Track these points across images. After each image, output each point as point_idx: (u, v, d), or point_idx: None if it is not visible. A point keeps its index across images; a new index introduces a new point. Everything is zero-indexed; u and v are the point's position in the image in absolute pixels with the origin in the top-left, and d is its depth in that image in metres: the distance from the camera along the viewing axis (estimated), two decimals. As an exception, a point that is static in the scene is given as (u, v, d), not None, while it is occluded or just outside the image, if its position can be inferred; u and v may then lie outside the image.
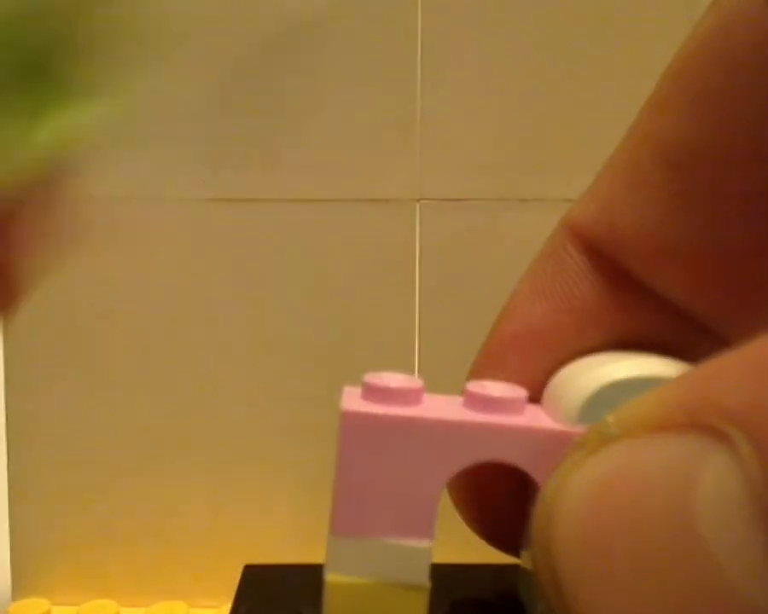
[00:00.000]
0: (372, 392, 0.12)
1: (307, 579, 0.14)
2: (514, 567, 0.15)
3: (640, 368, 0.12)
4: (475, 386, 0.13)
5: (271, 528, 0.26)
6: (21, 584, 0.26)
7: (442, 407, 0.13)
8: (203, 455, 0.26)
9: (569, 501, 0.09)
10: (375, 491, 0.12)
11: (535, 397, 0.14)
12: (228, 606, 0.25)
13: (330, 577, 0.12)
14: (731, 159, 0.13)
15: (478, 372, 0.15)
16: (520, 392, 0.13)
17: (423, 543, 0.12)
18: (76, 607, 0.25)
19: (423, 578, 0.12)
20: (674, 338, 0.14)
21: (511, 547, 0.15)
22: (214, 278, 0.25)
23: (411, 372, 0.25)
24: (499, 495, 0.14)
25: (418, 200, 0.25)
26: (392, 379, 0.12)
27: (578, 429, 0.12)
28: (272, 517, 0.26)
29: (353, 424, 0.12)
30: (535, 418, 0.13)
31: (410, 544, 0.12)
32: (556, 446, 0.12)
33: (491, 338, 0.15)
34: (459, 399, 0.13)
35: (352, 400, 0.12)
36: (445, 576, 0.15)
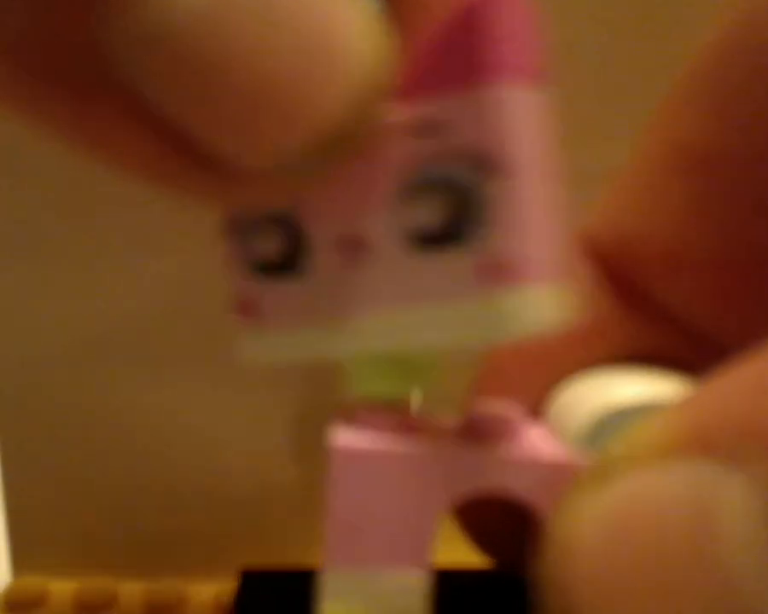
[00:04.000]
0: (363, 424, 0.12)
1: (305, 584, 0.14)
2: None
3: (649, 391, 0.12)
4: (473, 409, 0.12)
5: (272, 504, 0.26)
6: (19, 562, 0.26)
7: (437, 434, 0.12)
8: (202, 441, 0.25)
9: (582, 539, 0.08)
10: (369, 524, 0.12)
11: (537, 410, 0.13)
12: (227, 585, 0.25)
13: (326, 609, 0.12)
14: (752, 162, 0.12)
15: (480, 386, 0.14)
16: (520, 414, 0.12)
17: (419, 575, 0.12)
18: (74, 584, 0.25)
19: (419, 610, 0.12)
20: (682, 353, 0.13)
21: (521, 566, 0.15)
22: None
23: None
24: (505, 518, 0.14)
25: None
26: (384, 409, 0.12)
27: (584, 456, 0.12)
28: (273, 488, 0.26)
29: (344, 460, 0.12)
30: (536, 444, 0.12)
31: (405, 576, 0.12)
32: (559, 476, 0.11)
33: (493, 351, 0.14)
34: (456, 422, 0.13)
35: (343, 433, 0.12)
36: (446, 581, 0.14)
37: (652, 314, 0.13)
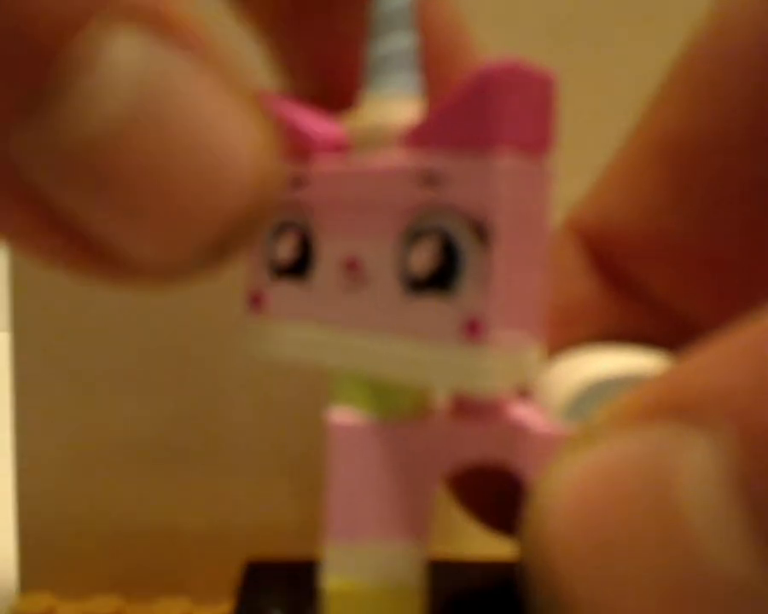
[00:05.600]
0: None
1: (309, 575, 0.14)
2: (512, 563, 0.15)
3: (630, 365, 0.13)
4: None
5: (274, 522, 0.26)
6: (27, 578, 0.26)
7: (430, 410, 0.13)
8: (207, 448, 0.26)
9: (559, 498, 0.09)
10: (367, 497, 0.12)
11: (524, 391, 0.14)
12: (232, 602, 0.25)
13: (328, 582, 0.13)
14: (729, 151, 0.13)
15: None
16: (508, 392, 0.13)
17: (417, 545, 0.12)
18: (81, 601, 0.26)
19: (418, 580, 0.12)
20: (662, 334, 0.14)
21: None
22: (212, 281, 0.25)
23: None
24: (499, 486, 0.14)
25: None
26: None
27: (568, 427, 0.12)
28: (275, 511, 0.26)
29: (341, 435, 0.12)
30: (524, 417, 0.13)
31: (403, 547, 0.12)
32: (545, 446, 0.12)
33: None
34: (448, 400, 0.13)
35: (339, 410, 0.13)
36: (443, 573, 0.15)
37: (635, 296, 0.14)
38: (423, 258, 0.11)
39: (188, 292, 0.25)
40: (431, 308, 0.11)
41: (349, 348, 0.12)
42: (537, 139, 0.11)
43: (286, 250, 0.12)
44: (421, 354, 0.11)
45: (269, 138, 0.10)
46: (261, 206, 0.10)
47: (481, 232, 0.10)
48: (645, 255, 0.14)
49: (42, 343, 0.25)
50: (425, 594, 0.13)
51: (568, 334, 0.14)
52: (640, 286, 0.14)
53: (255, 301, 0.13)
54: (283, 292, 0.13)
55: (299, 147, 0.12)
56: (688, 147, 0.13)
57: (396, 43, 0.12)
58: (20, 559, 0.26)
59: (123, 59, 0.08)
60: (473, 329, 0.10)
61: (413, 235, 0.11)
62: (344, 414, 0.12)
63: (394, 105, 0.12)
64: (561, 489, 0.09)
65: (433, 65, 0.13)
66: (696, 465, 0.08)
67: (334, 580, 0.12)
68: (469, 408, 0.13)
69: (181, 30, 0.09)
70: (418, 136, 0.11)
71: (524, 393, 0.14)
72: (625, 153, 0.14)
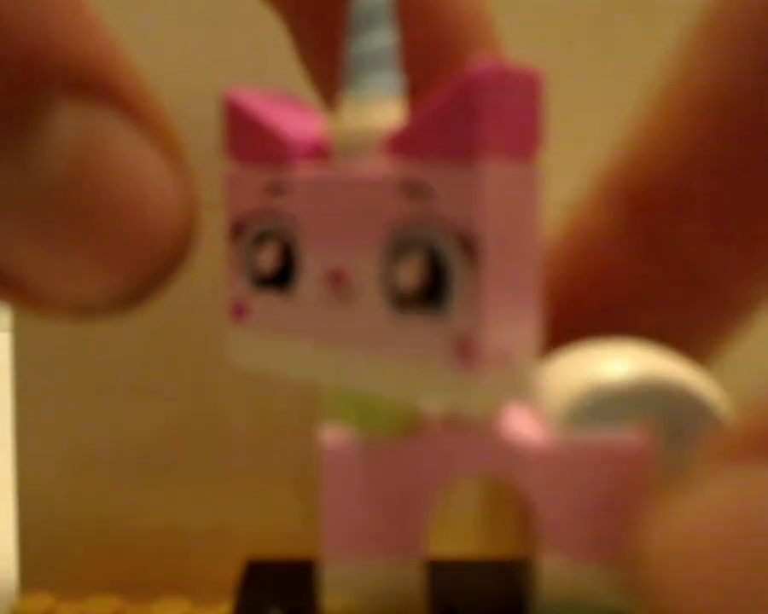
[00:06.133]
0: None
1: (309, 575, 0.14)
2: (513, 562, 0.15)
3: (629, 370, 0.12)
4: None
5: (274, 522, 0.26)
6: (27, 578, 0.26)
7: (422, 423, 0.13)
8: (207, 448, 0.26)
9: (666, 549, 0.09)
10: (363, 517, 0.12)
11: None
12: (232, 602, 0.25)
13: (327, 602, 0.12)
14: (759, 99, 0.13)
15: None
16: None
17: (414, 564, 0.12)
18: (81, 602, 0.26)
19: (416, 594, 0.12)
20: (692, 302, 0.14)
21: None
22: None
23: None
24: None
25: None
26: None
27: (565, 437, 0.12)
28: (275, 511, 0.26)
29: (333, 457, 0.12)
30: (519, 429, 0.13)
31: (400, 565, 0.12)
32: (541, 459, 0.12)
33: None
34: (441, 408, 0.13)
35: (330, 432, 0.12)
36: (443, 573, 0.15)
37: (670, 260, 0.14)
38: (410, 275, 0.10)
39: (188, 294, 0.25)
40: (420, 326, 0.10)
41: (336, 364, 0.11)
42: (524, 143, 0.10)
43: (267, 260, 0.12)
44: (411, 373, 0.10)
45: (191, 192, 0.10)
46: (179, 256, 0.10)
47: (469, 246, 0.10)
48: (687, 211, 0.14)
49: (42, 343, 0.25)
50: (424, 608, 0.13)
51: (599, 296, 0.14)
52: (676, 247, 0.14)
53: (238, 312, 0.12)
54: (266, 304, 0.12)
55: (273, 151, 0.12)
56: (721, 98, 0.13)
57: (375, 42, 0.11)
58: (20, 559, 0.26)
59: (66, 124, 0.09)
60: (464, 350, 0.10)
61: (399, 248, 0.10)
62: (335, 435, 0.12)
63: (374, 106, 0.11)
64: (668, 541, 0.09)
65: (452, 59, 0.13)
66: None
67: (334, 600, 0.12)
68: (463, 422, 0.12)
69: (121, 96, 0.09)
70: (401, 143, 0.10)
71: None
72: (662, 106, 0.14)
